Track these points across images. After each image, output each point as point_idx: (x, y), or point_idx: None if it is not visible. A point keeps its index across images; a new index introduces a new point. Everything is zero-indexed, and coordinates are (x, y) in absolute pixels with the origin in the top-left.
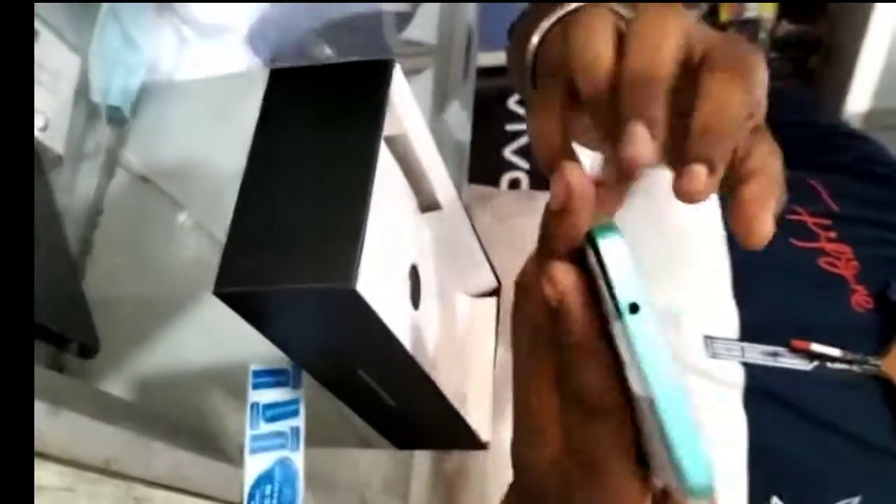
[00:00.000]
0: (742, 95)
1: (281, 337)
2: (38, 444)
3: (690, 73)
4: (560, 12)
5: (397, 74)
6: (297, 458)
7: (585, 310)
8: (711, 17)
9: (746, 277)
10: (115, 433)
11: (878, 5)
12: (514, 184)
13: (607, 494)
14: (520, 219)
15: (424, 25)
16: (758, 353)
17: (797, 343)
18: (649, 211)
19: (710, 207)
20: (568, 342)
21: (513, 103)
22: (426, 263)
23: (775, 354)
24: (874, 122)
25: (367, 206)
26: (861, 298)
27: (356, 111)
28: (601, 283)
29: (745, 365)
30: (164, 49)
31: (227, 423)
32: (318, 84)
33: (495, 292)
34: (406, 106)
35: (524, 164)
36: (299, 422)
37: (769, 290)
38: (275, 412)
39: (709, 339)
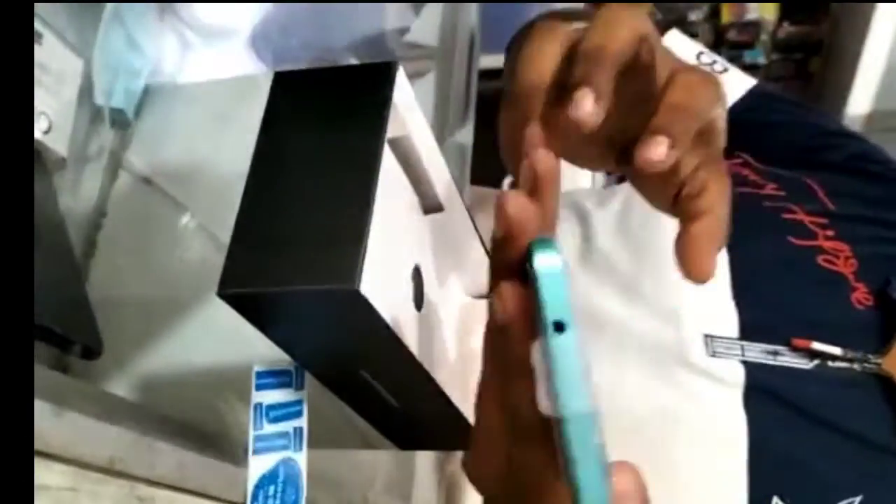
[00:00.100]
0: (710, 93)
1: (284, 338)
2: (42, 444)
3: (644, 74)
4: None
5: (400, 77)
6: (301, 459)
7: (526, 331)
8: (713, 19)
9: (746, 276)
10: (119, 433)
11: (880, 7)
12: (516, 185)
13: None
14: None
15: (426, 28)
16: (758, 352)
17: (798, 341)
18: (652, 211)
19: None
20: (505, 362)
21: None
22: (429, 265)
23: (775, 353)
24: (875, 124)
25: (370, 208)
26: (861, 296)
27: (359, 113)
28: (535, 298)
29: (745, 364)
30: (167, 52)
31: (231, 423)
32: (321, 87)
33: None
34: (409, 108)
35: None
36: (302, 422)
37: (769, 288)
38: (278, 413)
39: (709, 338)
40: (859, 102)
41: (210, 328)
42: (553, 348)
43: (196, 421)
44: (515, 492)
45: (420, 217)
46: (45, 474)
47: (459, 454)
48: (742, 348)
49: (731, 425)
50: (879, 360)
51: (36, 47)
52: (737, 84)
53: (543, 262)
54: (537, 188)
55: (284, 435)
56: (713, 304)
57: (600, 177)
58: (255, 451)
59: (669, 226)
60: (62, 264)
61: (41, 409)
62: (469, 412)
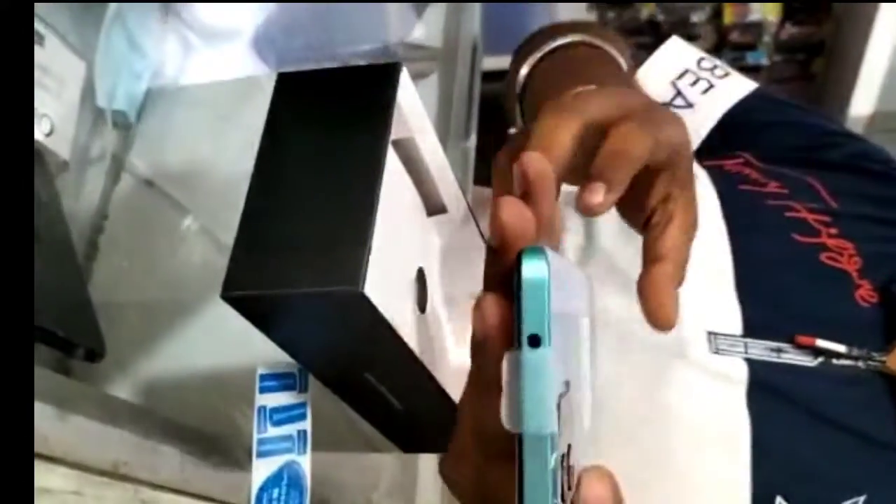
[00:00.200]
0: (644, 139)
1: (288, 340)
2: (46, 448)
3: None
4: (551, 45)
5: (404, 78)
6: (304, 462)
7: (501, 348)
8: (715, 20)
9: (749, 273)
10: (123, 437)
11: (883, 8)
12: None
13: None
14: None
15: (429, 30)
16: (761, 349)
17: (802, 339)
18: None
19: (712, 205)
20: (478, 376)
21: None
22: (433, 267)
23: (779, 350)
24: (877, 125)
25: (374, 210)
26: (865, 293)
27: (363, 115)
28: (516, 308)
29: (749, 361)
30: (169, 54)
31: (234, 426)
32: (325, 88)
33: None
34: (413, 110)
35: None
36: (306, 425)
37: (772, 285)
38: (282, 416)
39: (712, 335)
40: (862, 103)
41: (212, 330)
42: (524, 363)
43: (199, 424)
44: (483, 501)
45: (424, 219)
46: (49, 478)
47: None
48: (745, 345)
49: (733, 423)
50: (884, 358)
51: (38, 49)
52: (738, 87)
53: (530, 271)
54: (530, 193)
55: (288, 438)
56: (716, 301)
57: None
58: (259, 455)
59: None
60: (65, 267)
61: (45, 412)
62: None
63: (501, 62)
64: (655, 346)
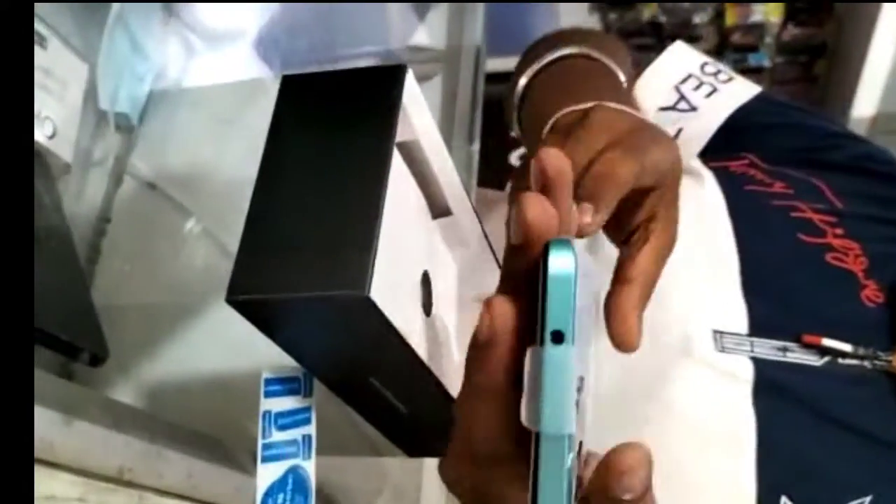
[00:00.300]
0: (629, 165)
1: (293, 345)
2: (50, 454)
3: None
4: (549, 57)
5: (409, 80)
6: (309, 467)
7: (505, 355)
8: (717, 21)
9: (755, 273)
10: (128, 442)
11: (885, 10)
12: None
13: None
14: None
15: (433, 31)
16: (767, 348)
17: (808, 338)
18: None
19: (718, 205)
20: (475, 381)
21: None
22: (438, 270)
23: (785, 350)
24: (880, 126)
25: (379, 214)
26: (871, 293)
27: (368, 117)
28: (540, 301)
29: (755, 360)
30: (171, 56)
31: (239, 431)
32: (329, 90)
33: None
34: (418, 111)
35: None
36: (311, 430)
37: (778, 285)
38: (287, 420)
39: (718, 334)
40: (864, 105)
41: (216, 334)
42: (546, 360)
43: (203, 429)
44: (478, 497)
45: (428, 221)
46: (53, 484)
47: None
48: (751, 344)
49: (739, 422)
50: (890, 358)
51: (41, 52)
52: (741, 91)
53: (557, 263)
54: (549, 189)
55: (293, 442)
56: (722, 300)
57: None
58: (264, 459)
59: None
60: (67, 270)
61: (50, 418)
62: None
63: (505, 64)
64: (661, 345)
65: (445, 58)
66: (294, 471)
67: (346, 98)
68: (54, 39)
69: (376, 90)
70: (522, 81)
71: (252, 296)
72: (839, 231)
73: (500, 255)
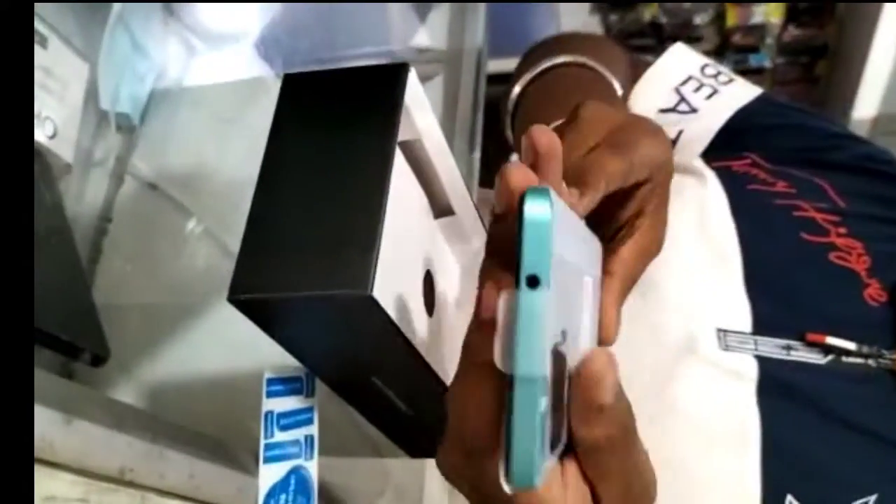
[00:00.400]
0: (618, 161)
1: (295, 344)
2: (51, 454)
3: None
4: (543, 65)
5: (412, 79)
6: (312, 467)
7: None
8: (718, 22)
9: (758, 271)
10: (130, 442)
11: (886, 11)
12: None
13: None
14: None
15: (434, 32)
16: (771, 347)
17: (812, 336)
18: None
19: (721, 204)
20: (472, 362)
21: None
22: (440, 269)
23: (789, 348)
24: (881, 127)
25: (382, 213)
26: (874, 292)
27: (370, 116)
28: (516, 248)
29: (758, 358)
30: (172, 56)
31: (241, 431)
32: (331, 89)
33: None
34: (420, 111)
35: None
36: (313, 430)
37: (782, 283)
38: (289, 420)
39: (721, 332)
40: (865, 106)
41: (218, 334)
42: (520, 302)
43: (205, 429)
44: (473, 489)
45: (431, 221)
46: (54, 485)
47: None
48: (755, 342)
49: (743, 420)
50: (894, 356)
51: (42, 52)
52: (742, 93)
53: (532, 210)
54: (538, 166)
55: (295, 443)
56: (726, 298)
57: None
58: (266, 460)
59: (677, 221)
60: (68, 270)
61: (51, 418)
62: None
63: (506, 65)
64: (664, 343)
65: (447, 59)
66: (296, 471)
67: (347, 97)
68: (55, 39)
69: (378, 89)
70: (516, 90)
71: (254, 295)
72: (842, 230)
73: None
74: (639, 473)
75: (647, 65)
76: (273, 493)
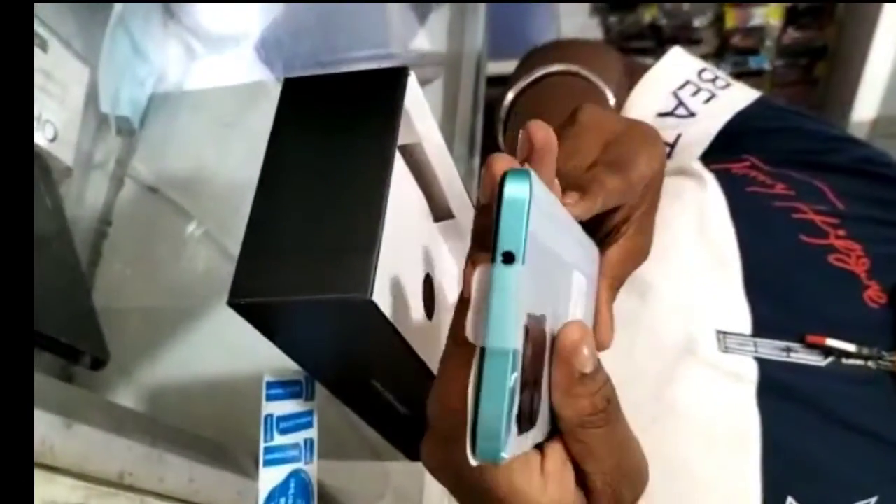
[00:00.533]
0: (616, 182)
1: (295, 348)
2: (51, 458)
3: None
4: (536, 74)
5: (411, 83)
6: (311, 470)
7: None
8: (717, 24)
9: (758, 273)
10: (130, 446)
11: (886, 13)
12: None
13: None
14: None
15: (434, 35)
16: (771, 349)
17: (812, 338)
18: (660, 210)
19: (720, 207)
20: (457, 342)
21: None
22: (439, 272)
23: (788, 350)
24: (880, 129)
25: (382, 217)
26: (874, 294)
27: (370, 120)
28: (493, 225)
29: (758, 360)
30: (172, 59)
31: (241, 435)
32: (331, 93)
33: None
34: (420, 114)
35: None
36: (313, 433)
37: (781, 285)
38: (288, 424)
39: (721, 334)
40: (864, 108)
41: (218, 338)
42: (494, 277)
43: (205, 432)
44: (454, 477)
45: (430, 224)
46: (54, 488)
47: None
48: (755, 344)
49: (743, 422)
50: (894, 358)
51: (42, 55)
52: (740, 96)
53: (511, 189)
54: (533, 160)
55: (295, 446)
56: (726, 300)
57: None
58: (266, 463)
59: (676, 224)
60: (68, 274)
61: (51, 421)
62: None
63: (506, 67)
64: (664, 345)
65: (446, 62)
66: (296, 474)
67: (347, 101)
68: (55, 42)
69: (378, 93)
70: (510, 96)
71: (254, 299)
72: (841, 232)
73: None
74: (627, 449)
75: (645, 69)
76: (273, 496)
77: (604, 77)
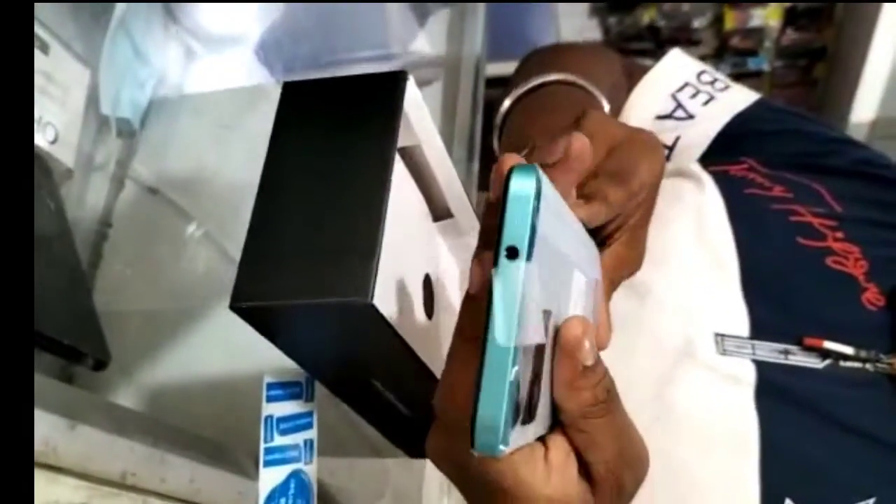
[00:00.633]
0: (619, 194)
1: (296, 349)
2: (54, 459)
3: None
4: (535, 81)
5: (411, 86)
6: (311, 471)
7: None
8: (716, 25)
9: (755, 276)
10: (131, 447)
11: (884, 14)
12: None
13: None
14: None
15: (433, 37)
16: (768, 351)
17: (810, 340)
18: (659, 212)
19: (718, 209)
20: (464, 338)
21: None
22: (439, 272)
23: (786, 352)
24: (879, 131)
25: (382, 220)
26: (872, 296)
27: (370, 123)
28: (498, 221)
29: (756, 363)
30: (173, 62)
31: (241, 435)
32: (331, 96)
33: None
34: (419, 117)
35: None
36: (313, 434)
37: (779, 288)
38: (288, 425)
39: (719, 337)
40: (863, 109)
41: (217, 338)
42: (498, 272)
43: (206, 433)
44: (457, 469)
45: (430, 224)
46: (57, 489)
47: None
48: (753, 347)
49: (742, 424)
50: (892, 361)
51: (43, 57)
52: (739, 98)
53: (517, 184)
54: (562, 167)
55: (295, 447)
56: (723, 303)
57: None
58: (266, 464)
59: (675, 226)
60: (69, 275)
61: (53, 422)
62: None
63: (505, 68)
64: (663, 348)
65: (446, 63)
66: (296, 475)
67: (347, 104)
68: (56, 45)
69: (378, 96)
70: (506, 104)
71: (256, 303)
72: (839, 235)
73: None
74: (629, 438)
75: (644, 70)
76: (273, 496)
77: (601, 85)
